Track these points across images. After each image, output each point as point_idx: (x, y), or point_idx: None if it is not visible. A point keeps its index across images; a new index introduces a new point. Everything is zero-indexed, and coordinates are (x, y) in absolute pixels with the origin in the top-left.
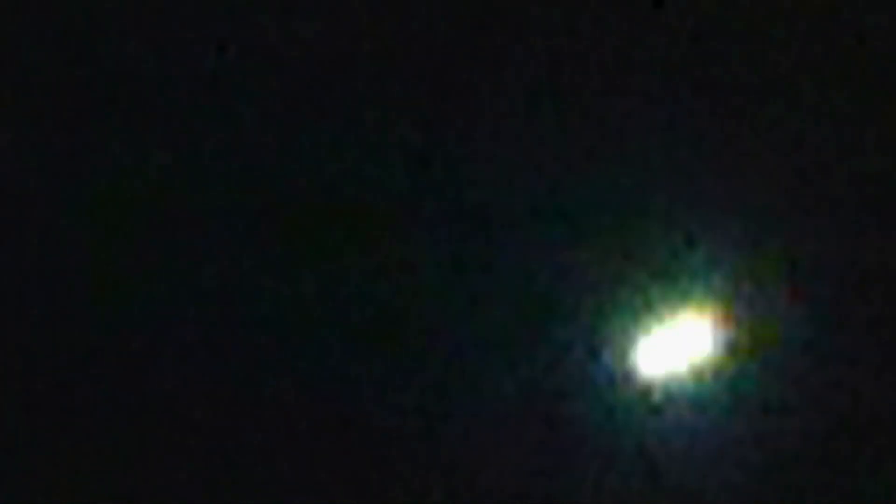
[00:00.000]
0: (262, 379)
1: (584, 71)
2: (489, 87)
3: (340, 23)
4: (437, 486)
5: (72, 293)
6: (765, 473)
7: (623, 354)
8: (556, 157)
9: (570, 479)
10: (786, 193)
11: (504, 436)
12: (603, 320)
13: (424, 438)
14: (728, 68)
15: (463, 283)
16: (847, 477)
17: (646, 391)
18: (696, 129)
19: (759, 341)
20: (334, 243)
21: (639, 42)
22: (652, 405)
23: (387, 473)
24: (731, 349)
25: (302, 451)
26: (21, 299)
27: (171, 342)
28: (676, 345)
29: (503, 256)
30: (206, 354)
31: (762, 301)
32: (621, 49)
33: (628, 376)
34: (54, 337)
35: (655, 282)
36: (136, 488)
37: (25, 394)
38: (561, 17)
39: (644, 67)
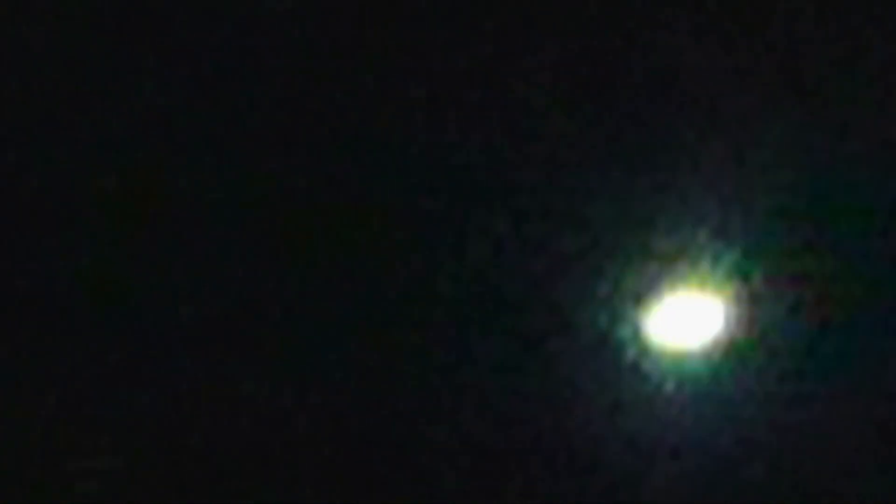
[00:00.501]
0: (262, 379)
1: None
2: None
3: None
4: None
5: (69, 292)
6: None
7: (637, 330)
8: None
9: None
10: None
11: (513, 411)
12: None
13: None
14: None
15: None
16: (852, 462)
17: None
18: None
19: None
20: (334, 243)
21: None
22: (664, 382)
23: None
24: (744, 328)
25: (301, 452)
26: (20, 299)
27: (171, 342)
28: (689, 322)
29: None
30: (206, 354)
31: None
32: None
33: (642, 352)
34: (54, 336)
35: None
36: (137, 488)
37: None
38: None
39: None
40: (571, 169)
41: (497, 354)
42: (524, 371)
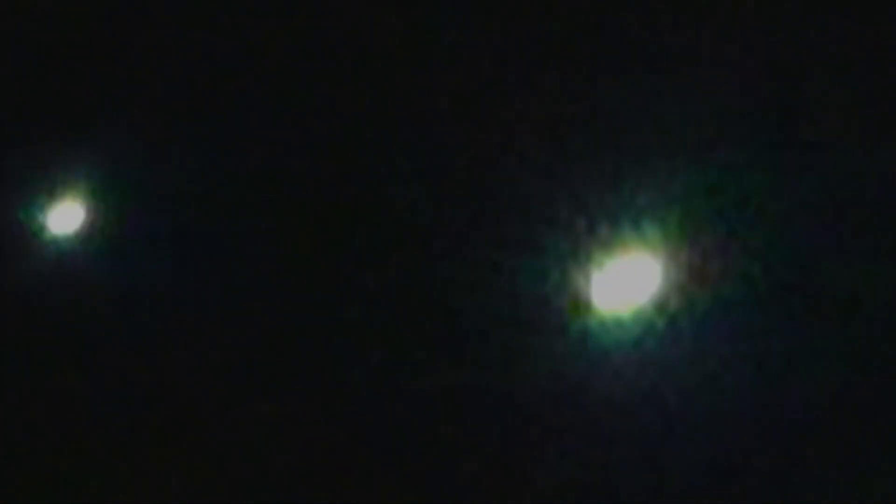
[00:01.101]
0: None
1: None
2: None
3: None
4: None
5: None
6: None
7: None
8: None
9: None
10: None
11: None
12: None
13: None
14: None
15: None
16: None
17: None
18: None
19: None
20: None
21: None
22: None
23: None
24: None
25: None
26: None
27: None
28: (630, 280)
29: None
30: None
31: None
32: None
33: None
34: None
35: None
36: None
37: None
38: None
39: None
40: (513, 146)
41: (438, 321)
42: (472, 340)
